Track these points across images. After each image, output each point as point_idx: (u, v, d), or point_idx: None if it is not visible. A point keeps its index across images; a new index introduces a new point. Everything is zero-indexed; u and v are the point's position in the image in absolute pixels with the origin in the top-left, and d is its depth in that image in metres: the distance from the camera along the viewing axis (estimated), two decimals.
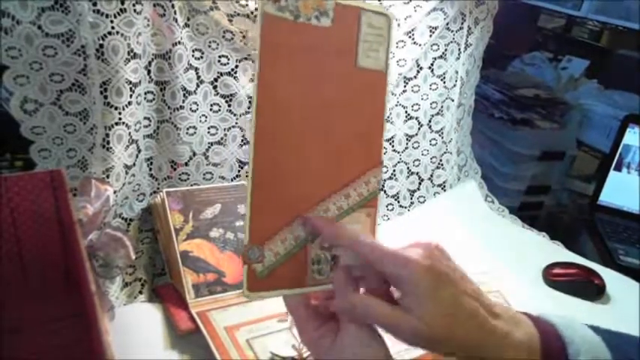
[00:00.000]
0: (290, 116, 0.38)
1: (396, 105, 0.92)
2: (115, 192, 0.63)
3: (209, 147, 0.75)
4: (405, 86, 0.91)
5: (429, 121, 0.96)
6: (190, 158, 0.74)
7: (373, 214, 0.42)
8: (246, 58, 0.73)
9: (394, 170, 0.96)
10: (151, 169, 0.72)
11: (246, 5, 0.69)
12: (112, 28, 0.58)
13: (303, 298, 0.40)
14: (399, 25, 0.85)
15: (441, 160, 1.00)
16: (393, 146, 0.94)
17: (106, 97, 0.61)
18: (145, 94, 0.66)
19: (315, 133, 0.39)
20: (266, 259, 0.38)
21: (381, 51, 0.41)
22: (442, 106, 0.96)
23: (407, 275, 0.35)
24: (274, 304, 0.48)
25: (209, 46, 0.70)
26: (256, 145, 0.37)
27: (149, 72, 0.66)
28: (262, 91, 0.36)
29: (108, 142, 0.62)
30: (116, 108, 0.61)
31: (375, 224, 0.43)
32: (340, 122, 0.40)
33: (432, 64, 0.92)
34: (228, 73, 0.73)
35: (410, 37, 0.87)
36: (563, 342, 0.37)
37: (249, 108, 0.76)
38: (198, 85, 0.71)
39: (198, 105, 0.71)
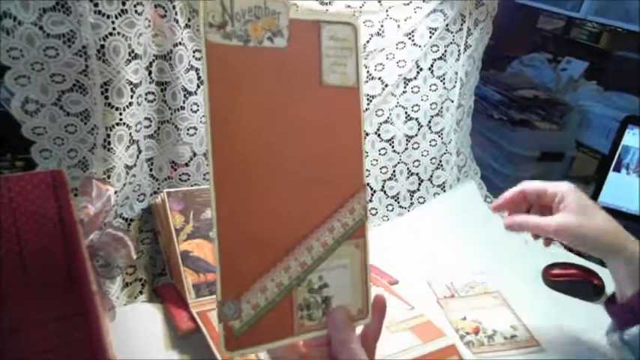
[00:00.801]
0: (252, 149, 0.34)
1: (396, 106, 0.92)
2: (115, 192, 0.63)
3: None
4: (404, 87, 0.91)
5: (429, 122, 0.96)
6: (191, 159, 0.74)
7: (362, 245, 0.38)
8: None
9: (394, 171, 0.96)
10: (151, 170, 0.72)
11: None
12: (113, 28, 0.58)
13: (293, 348, 0.37)
14: (398, 26, 0.85)
15: (440, 161, 1.00)
16: (392, 147, 0.94)
17: (107, 98, 0.61)
18: (146, 94, 0.67)
19: (285, 163, 0.35)
20: (244, 314, 0.34)
21: (349, 65, 0.37)
22: (442, 107, 0.96)
23: (567, 192, 0.61)
24: None
25: None
26: (217, 187, 0.33)
27: (150, 73, 0.66)
28: (216, 128, 0.33)
29: (109, 143, 0.62)
30: (117, 108, 0.62)
31: (367, 256, 0.38)
32: (312, 148, 0.36)
33: (431, 65, 0.92)
34: None
35: (410, 38, 0.87)
36: None
37: None
38: (198, 86, 0.71)
39: (198, 105, 0.72)
